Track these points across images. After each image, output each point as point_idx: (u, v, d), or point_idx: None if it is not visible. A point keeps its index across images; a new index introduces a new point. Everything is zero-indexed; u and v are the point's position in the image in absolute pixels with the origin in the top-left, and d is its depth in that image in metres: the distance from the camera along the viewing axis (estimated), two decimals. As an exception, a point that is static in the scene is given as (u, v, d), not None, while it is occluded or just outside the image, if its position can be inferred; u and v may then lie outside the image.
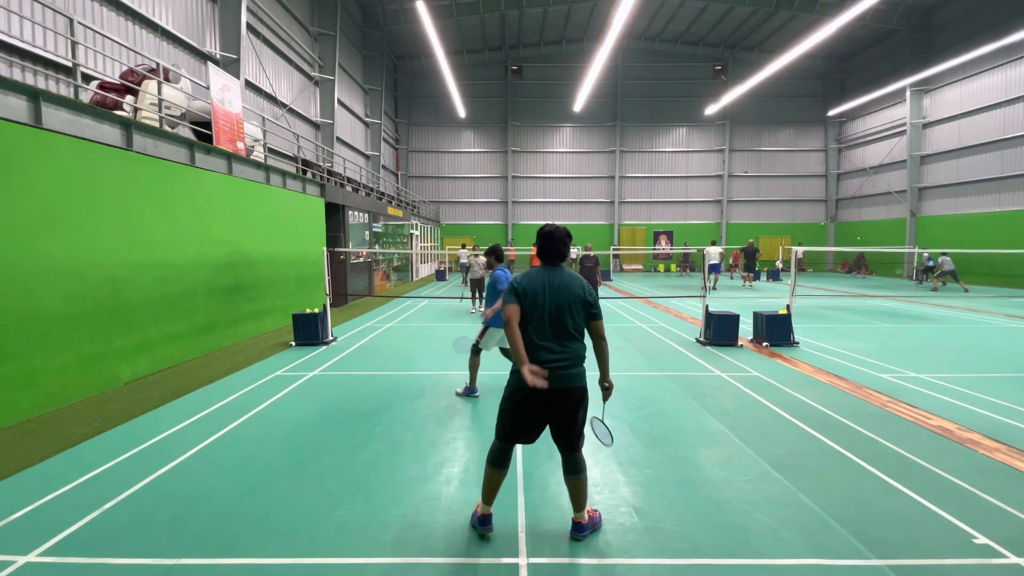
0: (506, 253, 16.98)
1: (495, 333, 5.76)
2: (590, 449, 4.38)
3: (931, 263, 20.08)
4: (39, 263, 5.34)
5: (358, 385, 6.44)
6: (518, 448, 4.33)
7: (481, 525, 3.07)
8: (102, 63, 9.58)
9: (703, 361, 7.66)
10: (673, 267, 32.07)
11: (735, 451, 4.35)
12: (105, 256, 6.22)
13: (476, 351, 5.89)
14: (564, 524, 3.19)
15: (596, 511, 3.25)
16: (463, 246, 21.03)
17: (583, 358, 2.94)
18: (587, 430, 3.11)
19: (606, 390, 2.99)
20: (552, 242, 2.96)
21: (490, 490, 3.07)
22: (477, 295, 13.91)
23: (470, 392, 5.93)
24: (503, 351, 5.81)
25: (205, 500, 3.54)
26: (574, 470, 3.01)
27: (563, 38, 30.26)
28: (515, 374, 2.93)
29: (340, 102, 21.08)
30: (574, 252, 16.39)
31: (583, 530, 3.05)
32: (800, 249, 9.16)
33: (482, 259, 13.80)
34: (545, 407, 2.90)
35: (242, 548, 2.98)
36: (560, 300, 2.87)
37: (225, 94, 9.55)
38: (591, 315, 2.94)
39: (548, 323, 2.87)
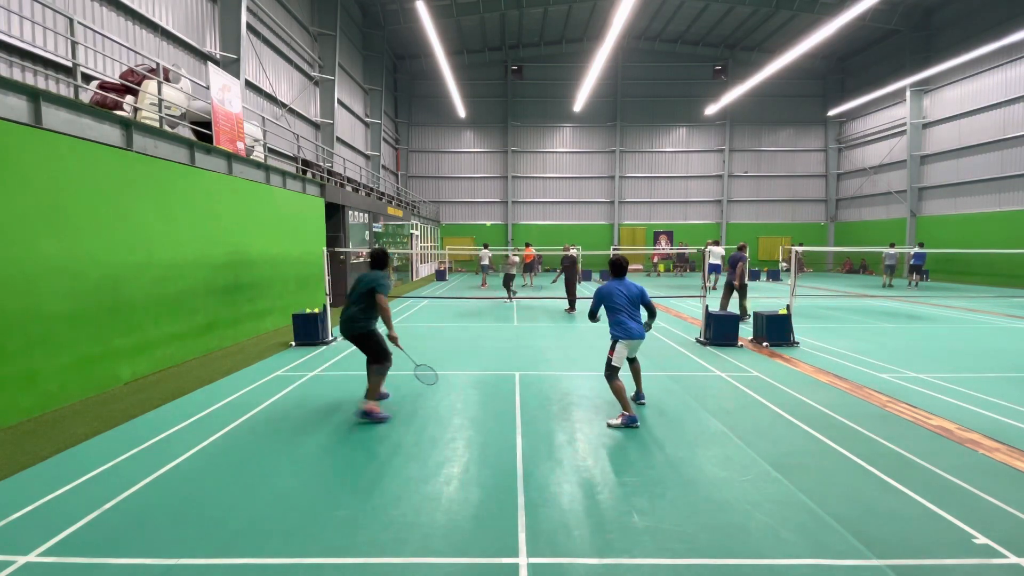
0: (507, 255, 17.18)
1: (629, 345, 5.04)
2: (590, 448, 4.39)
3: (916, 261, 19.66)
4: (39, 263, 5.34)
5: (358, 385, 6.40)
6: (518, 448, 4.39)
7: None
8: (102, 63, 9.58)
9: (703, 361, 7.66)
10: (672, 266, 32.02)
11: (735, 451, 4.35)
12: (105, 256, 6.22)
13: (613, 371, 5.01)
14: (564, 524, 3.19)
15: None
16: (485, 245, 20.82)
17: (363, 318, 5.09)
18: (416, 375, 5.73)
19: (392, 340, 5.13)
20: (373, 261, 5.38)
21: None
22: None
23: (629, 421, 4.90)
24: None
25: (205, 500, 3.54)
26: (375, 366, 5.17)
27: (563, 38, 30.24)
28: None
29: (340, 102, 21.07)
30: (573, 252, 16.38)
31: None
32: (799, 249, 9.14)
33: (515, 258, 15.69)
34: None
35: (242, 548, 2.98)
36: (357, 287, 5.15)
37: (225, 94, 9.55)
38: (371, 291, 5.04)
39: (354, 300, 5.12)
